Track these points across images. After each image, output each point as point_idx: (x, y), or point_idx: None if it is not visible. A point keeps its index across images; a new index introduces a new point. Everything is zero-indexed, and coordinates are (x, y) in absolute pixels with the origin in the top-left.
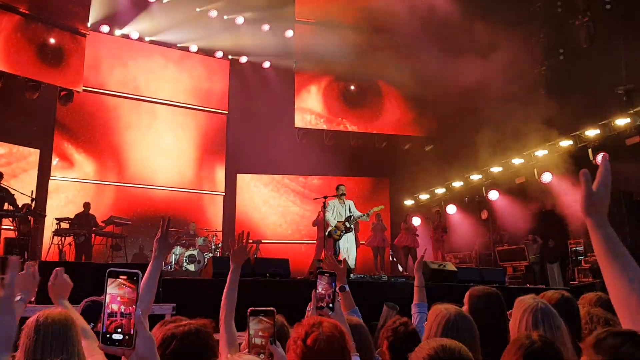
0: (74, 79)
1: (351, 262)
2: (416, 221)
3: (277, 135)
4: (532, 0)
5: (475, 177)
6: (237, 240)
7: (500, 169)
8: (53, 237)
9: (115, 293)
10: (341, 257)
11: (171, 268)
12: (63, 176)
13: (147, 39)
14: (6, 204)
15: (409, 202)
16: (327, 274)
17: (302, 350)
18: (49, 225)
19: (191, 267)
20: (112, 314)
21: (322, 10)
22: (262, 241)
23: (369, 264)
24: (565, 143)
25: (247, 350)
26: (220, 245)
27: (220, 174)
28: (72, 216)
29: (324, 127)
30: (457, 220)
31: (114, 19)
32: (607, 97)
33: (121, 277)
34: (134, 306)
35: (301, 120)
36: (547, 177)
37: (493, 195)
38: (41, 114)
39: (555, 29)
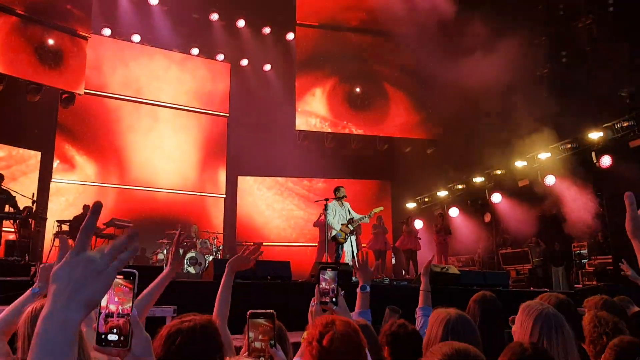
0: (75, 81)
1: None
2: (418, 224)
3: (278, 138)
4: (534, 3)
5: (478, 179)
6: (244, 249)
7: (503, 171)
8: (54, 240)
9: (112, 293)
10: (344, 260)
11: None
12: (64, 179)
13: (149, 42)
14: (7, 206)
15: (411, 205)
16: (330, 269)
17: (318, 351)
18: (50, 228)
19: (192, 270)
20: (108, 315)
21: (323, 13)
22: (264, 243)
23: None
24: (569, 146)
25: (246, 353)
26: (221, 248)
27: (221, 176)
28: (69, 219)
29: (329, 130)
30: (460, 223)
31: (115, 22)
32: (611, 100)
33: (118, 276)
34: (130, 306)
35: (305, 123)
36: (550, 180)
37: (496, 198)
38: (43, 116)
39: (558, 32)
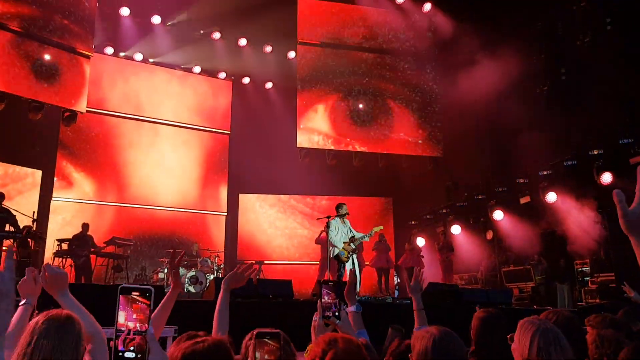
0: (77, 99)
1: (357, 283)
2: (420, 242)
3: (279, 155)
4: (533, 20)
5: (480, 196)
6: (238, 267)
7: (505, 188)
8: (54, 259)
9: (129, 310)
10: (347, 279)
11: None
12: (63, 197)
13: (151, 60)
14: (7, 225)
15: (412, 222)
16: (332, 284)
17: None
18: (50, 247)
19: (193, 289)
20: (125, 332)
21: (325, 31)
22: (265, 262)
23: (373, 286)
24: (570, 162)
25: None
26: (222, 266)
27: (222, 194)
28: (69, 237)
29: (332, 147)
30: (462, 241)
31: (118, 41)
32: (611, 116)
33: (134, 293)
34: (147, 323)
35: (307, 140)
36: (551, 197)
37: (498, 215)
38: (44, 134)
39: (557, 49)
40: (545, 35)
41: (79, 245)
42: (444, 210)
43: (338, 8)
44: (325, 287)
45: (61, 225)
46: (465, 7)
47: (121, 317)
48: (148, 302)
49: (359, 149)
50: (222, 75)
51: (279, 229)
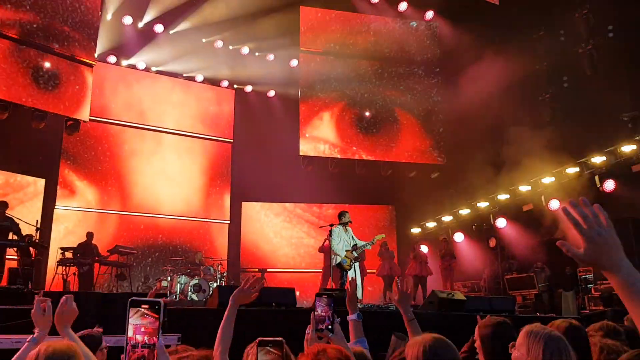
0: (80, 108)
1: (359, 292)
2: (424, 249)
3: (282, 163)
4: (535, 29)
5: (483, 204)
6: (245, 281)
7: (508, 196)
8: (57, 267)
9: (138, 324)
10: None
11: (176, 298)
12: (66, 205)
13: (154, 69)
14: (10, 234)
15: (415, 230)
16: (326, 296)
17: None
18: (54, 255)
19: (196, 297)
20: (134, 345)
21: (327, 39)
22: (268, 270)
23: (376, 294)
24: (572, 170)
25: None
26: (225, 274)
27: (226, 202)
28: (73, 246)
29: (337, 155)
30: (465, 248)
31: (121, 50)
32: (612, 124)
33: (143, 306)
34: (156, 337)
35: (312, 149)
36: (554, 204)
37: (501, 222)
38: (47, 143)
39: (559, 57)
40: (547, 43)
41: (83, 253)
42: (447, 218)
43: (340, 16)
44: (318, 300)
45: (64, 234)
46: (467, 15)
47: (130, 330)
48: (157, 316)
49: (365, 158)
50: (225, 83)
51: (284, 237)
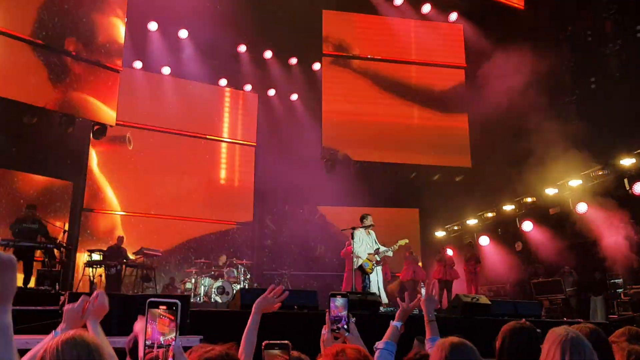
0: (107, 113)
1: (383, 296)
2: (450, 253)
3: (305, 166)
4: (561, 29)
5: (509, 207)
6: (271, 290)
7: (534, 199)
8: (85, 269)
9: (155, 324)
10: (372, 291)
11: (200, 300)
12: (93, 208)
13: (178, 74)
14: (39, 236)
15: (440, 234)
16: (340, 296)
17: None
18: (82, 257)
19: (219, 299)
20: (150, 345)
21: (350, 43)
22: (292, 272)
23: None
24: (600, 172)
25: None
26: (249, 277)
27: (249, 205)
28: (101, 248)
29: (361, 159)
30: (491, 252)
31: (146, 55)
32: None
33: (161, 307)
34: (173, 337)
35: (336, 152)
36: (582, 208)
37: (527, 226)
38: (75, 147)
39: (586, 58)
40: (574, 43)
41: (111, 256)
42: (472, 221)
43: (363, 19)
44: (333, 300)
45: (91, 236)
46: (491, 16)
47: (148, 330)
48: (172, 317)
49: (388, 161)
50: (248, 87)
51: (307, 239)
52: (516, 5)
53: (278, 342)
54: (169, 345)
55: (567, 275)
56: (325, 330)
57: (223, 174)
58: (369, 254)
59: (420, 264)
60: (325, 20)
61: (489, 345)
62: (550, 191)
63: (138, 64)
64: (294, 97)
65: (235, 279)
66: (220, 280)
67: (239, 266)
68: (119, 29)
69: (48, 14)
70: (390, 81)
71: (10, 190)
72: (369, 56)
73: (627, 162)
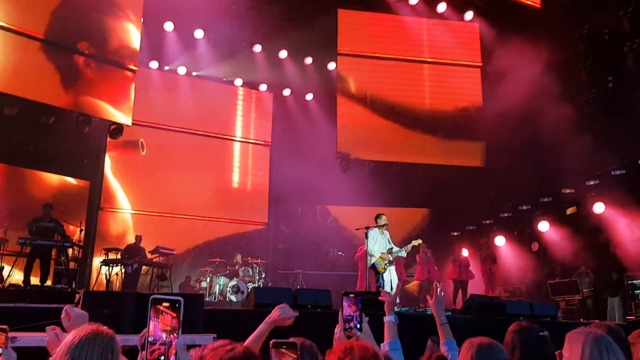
0: (123, 113)
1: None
2: (464, 253)
3: (320, 165)
4: (578, 27)
5: (525, 207)
6: (283, 308)
7: (550, 199)
8: (101, 267)
9: (158, 321)
10: (384, 290)
11: (215, 298)
12: (110, 207)
13: (194, 73)
14: (56, 235)
15: (455, 233)
16: (353, 295)
17: None
18: (98, 256)
19: (234, 298)
20: (153, 342)
21: (365, 42)
22: (306, 272)
23: (413, 297)
24: (618, 172)
25: None
26: (263, 276)
27: (264, 204)
28: (117, 247)
29: (376, 159)
30: (507, 252)
31: (162, 55)
32: None
33: (164, 304)
34: (175, 334)
35: (351, 152)
36: (599, 208)
37: (543, 226)
38: (92, 146)
39: (603, 56)
40: (591, 42)
41: (130, 255)
42: (488, 221)
43: (378, 18)
44: (346, 299)
45: (108, 235)
46: (507, 15)
47: (151, 327)
48: (175, 314)
49: (402, 161)
50: (264, 87)
51: (321, 239)
52: (532, 4)
53: (285, 340)
54: (172, 342)
55: (583, 275)
56: (338, 329)
57: (238, 173)
58: (382, 253)
59: (434, 264)
60: (340, 19)
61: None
62: (567, 191)
63: (154, 64)
64: (309, 96)
65: (250, 278)
66: (235, 279)
67: (254, 265)
68: (135, 30)
69: (63, 15)
70: (404, 80)
71: (27, 189)
72: (384, 55)
73: None
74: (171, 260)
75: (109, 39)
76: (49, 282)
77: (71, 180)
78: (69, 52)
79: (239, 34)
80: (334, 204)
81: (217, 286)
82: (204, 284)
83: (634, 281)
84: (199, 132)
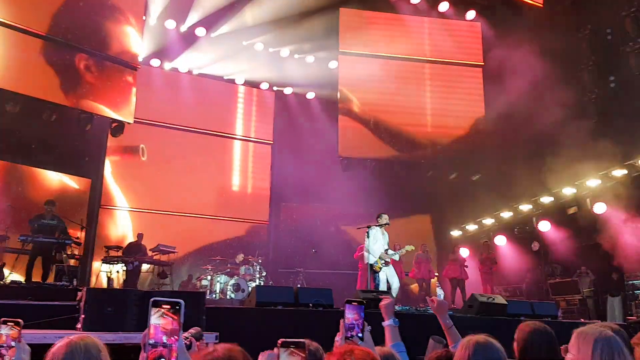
0: (124, 111)
1: (394, 293)
2: (464, 252)
3: (321, 164)
4: (580, 27)
5: (525, 207)
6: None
7: (551, 199)
8: (102, 265)
9: (158, 323)
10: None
11: (216, 296)
12: (110, 205)
13: (195, 72)
14: (57, 232)
15: (455, 233)
16: (356, 302)
17: None
18: (99, 254)
19: (235, 296)
20: (154, 345)
21: (367, 41)
22: (307, 270)
23: (414, 296)
24: (619, 172)
25: None
26: (264, 275)
27: (265, 202)
28: (118, 245)
29: (377, 158)
30: (507, 252)
31: (164, 54)
32: None
33: (164, 306)
34: (176, 336)
35: (353, 151)
36: (600, 208)
37: (544, 226)
38: (93, 144)
39: (605, 56)
40: (593, 42)
41: (132, 252)
42: (488, 221)
43: (380, 17)
44: (348, 307)
45: (109, 233)
46: (509, 15)
47: (152, 329)
48: (175, 317)
49: (405, 160)
50: (265, 85)
51: (324, 238)
52: (535, 4)
53: (294, 339)
54: (172, 345)
55: (584, 275)
56: (338, 337)
57: (239, 172)
58: (381, 252)
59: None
60: (342, 18)
61: (505, 346)
62: (568, 191)
63: (155, 62)
64: (311, 95)
65: (251, 277)
66: (235, 277)
67: (255, 264)
68: (137, 28)
69: (67, 13)
70: (406, 80)
71: (29, 187)
72: (386, 54)
73: None
74: (172, 259)
75: (111, 38)
76: (50, 280)
77: (72, 178)
78: (71, 50)
79: (240, 32)
80: (336, 203)
81: (218, 284)
82: (204, 282)
83: (634, 281)
84: (200, 130)
